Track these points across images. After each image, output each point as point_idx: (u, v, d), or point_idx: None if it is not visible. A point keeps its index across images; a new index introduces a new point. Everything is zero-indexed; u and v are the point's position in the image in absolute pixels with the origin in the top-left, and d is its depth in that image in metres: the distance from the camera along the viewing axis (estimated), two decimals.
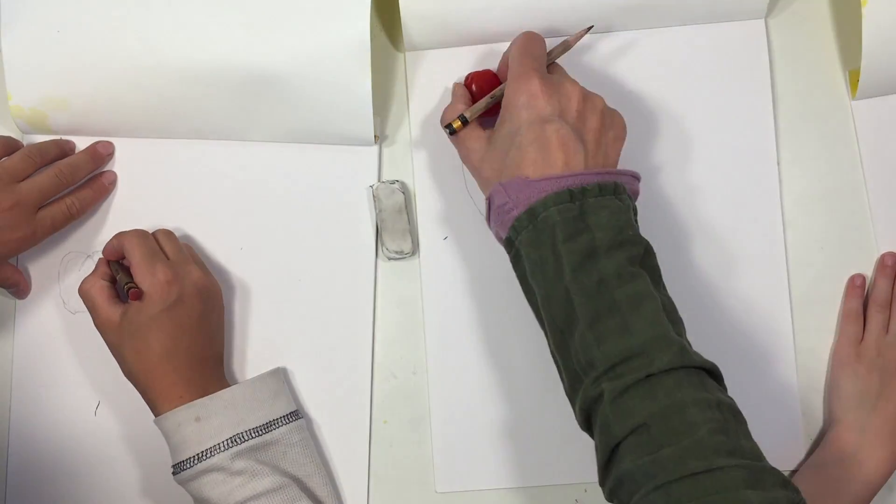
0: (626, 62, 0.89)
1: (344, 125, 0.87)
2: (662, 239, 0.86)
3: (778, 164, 0.88)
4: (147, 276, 0.79)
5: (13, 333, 0.88)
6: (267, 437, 0.79)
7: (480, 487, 0.83)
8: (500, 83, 0.83)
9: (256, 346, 0.87)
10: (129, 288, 0.79)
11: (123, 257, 0.83)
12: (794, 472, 0.83)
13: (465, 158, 0.81)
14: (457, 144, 0.82)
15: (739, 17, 0.88)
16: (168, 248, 0.83)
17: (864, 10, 0.83)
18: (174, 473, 0.78)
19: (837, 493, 0.79)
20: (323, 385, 0.86)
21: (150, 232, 0.84)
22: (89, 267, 0.87)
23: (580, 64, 0.89)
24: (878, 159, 0.88)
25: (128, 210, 0.89)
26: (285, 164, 0.89)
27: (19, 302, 0.88)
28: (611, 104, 0.88)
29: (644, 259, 0.72)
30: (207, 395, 0.79)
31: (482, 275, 0.86)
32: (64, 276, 0.88)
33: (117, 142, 0.90)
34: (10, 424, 0.86)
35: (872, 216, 0.87)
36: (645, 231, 0.86)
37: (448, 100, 0.88)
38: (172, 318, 0.79)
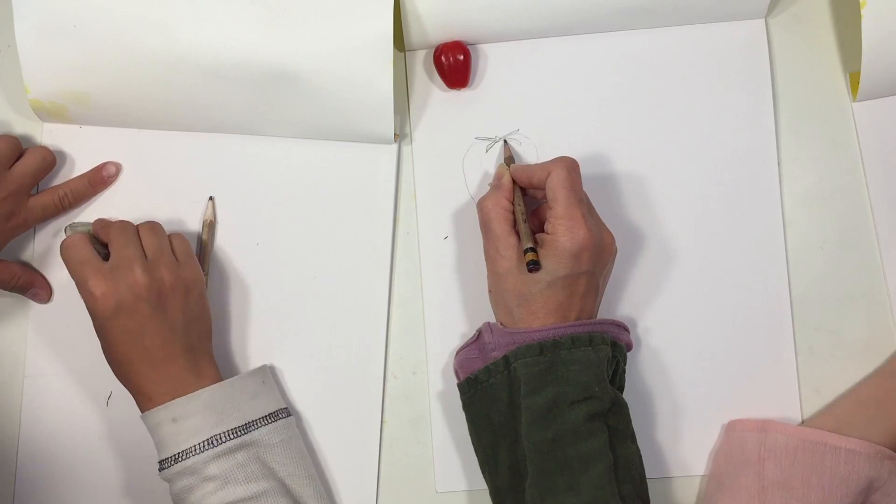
0: (628, 62, 0.89)
1: (364, 122, 0.86)
2: (663, 239, 0.87)
3: (778, 164, 0.88)
4: (83, 288, 0.78)
5: (27, 324, 0.87)
6: (245, 437, 0.77)
7: (480, 487, 0.83)
8: (468, 51, 0.87)
9: (269, 342, 0.87)
10: None
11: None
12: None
13: (493, 259, 0.80)
14: (491, 239, 0.80)
15: (740, 17, 0.88)
16: (147, 243, 0.81)
17: (864, 12, 0.82)
18: (159, 470, 0.77)
19: None
20: (333, 384, 0.86)
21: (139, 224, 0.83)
22: None
23: (583, 65, 0.89)
24: (879, 160, 0.88)
25: (145, 202, 0.88)
26: (304, 160, 0.89)
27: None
28: (613, 104, 0.88)
29: (608, 414, 0.75)
30: (183, 389, 0.77)
31: (482, 274, 0.86)
32: None
33: (137, 133, 0.89)
34: (22, 415, 0.86)
35: (874, 217, 0.87)
36: (646, 232, 0.86)
37: (449, 101, 0.89)
38: (119, 326, 0.77)
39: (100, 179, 0.88)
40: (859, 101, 0.88)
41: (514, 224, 0.80)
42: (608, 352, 0.76)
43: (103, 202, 0.89)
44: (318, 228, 0.88)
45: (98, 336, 0.79)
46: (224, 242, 0.88)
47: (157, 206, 0.88)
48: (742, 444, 0.80)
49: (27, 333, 0.87)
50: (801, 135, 0.89)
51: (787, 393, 0.85)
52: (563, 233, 0.76)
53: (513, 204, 0.81)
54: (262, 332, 0.87)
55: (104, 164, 0.88)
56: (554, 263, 0.76)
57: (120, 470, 0.86)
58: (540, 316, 0.76)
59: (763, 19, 0.89)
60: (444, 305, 0.87)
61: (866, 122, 0.88)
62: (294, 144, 0.89)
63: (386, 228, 0.88)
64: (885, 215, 0.87)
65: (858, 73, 0.86)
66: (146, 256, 0.80)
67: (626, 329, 0.81)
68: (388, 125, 0.86)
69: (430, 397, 0.86)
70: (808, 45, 0.90)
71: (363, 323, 0.87)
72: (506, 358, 0.76)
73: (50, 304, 0.88)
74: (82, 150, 0.90)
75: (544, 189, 0.79)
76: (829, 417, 0.81)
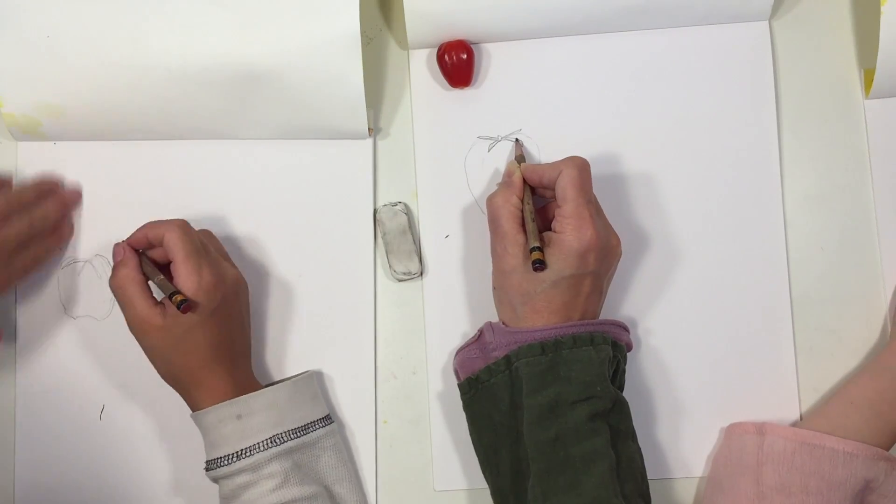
0: (631, 62, 0.89)
1: (337, 119, 0.86)
2: (663, 239, 0.87)
3: (780, 164, 0.87)
4: (193, 277, 0.76)
5: (15, 341, 0.87)
6: (304, 438, 0.79)
7: (478, 486, 0.83)
8: (471, 50, 0.87)
9: (257, 344, 0.87)
10: (181, 301, 0.75)
11: (151, 247, 0.80)
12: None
13: (500, 256, 0.79)
14: (498, 237, 0.80)
15: (744, 18, 0.88)
16: (210, 245, 0.82)
17: (883, 8, 0.82)
18: (207, 469, 0.78)
19: (894, 402, 0.79)
20: (325, 383, 0.86)
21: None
22: (89, 272, 0.87)
23: (586, 65, 0.89)
24: (887, 158, 0.87)
25: (124, 214, 0.87)
26: (281, 161, 0.89)
27: (21, 310, 0.87)
28: (616, 104, 0.89)
29: (610, 414, 0.75)
30: (246, 390, 0.78)
31: (483, 274, 0.86)
32: (64, 282, 0.87)
33: (112, 146, 0.89)
34: (16, 432, 0.86)
35: (877, 215, 0.87)
36: (646, 232, 0.86)
37: (451, 100, 0.89)
38: (218, 319, 0.78)
39: (62, 237, 0.87)
40: (871, 98, 0.88)
41: (522, 222, 0.80)
42: (609, 351, 0.76)
43: (86, 218, 0.89)
44: (300, 228, 0.88)
45: (188, 333, 0.77)
46: None
47: (137, 218, 0.86)
48: (741, 447, 0.80)
49: (15, 352, 0.87)
50: (803, 135, 0.89)
51: (786, 393, 0.85)
52: (571, 232, 0.76)
53: (522, 202, 0.81)
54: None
55: (62, 224, 0.87)
56: (560, 262, 0.76)
57: (117, 482, 0.86)
58: (544, 315, 0.76)
59: (767, 21, 0.89)
60: (444, 305, 0.87)
61: (877, 120, 0.88)
62: (269, 146, 0.89)
63: (366, 223, 0.88)
64: (888, 213, 0.87)
65: (872, 70, 0.86)
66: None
67: (626, 329, 0.81)
68: (361, 120, 0.86)
69: (429, 397, 0.86)
70: (809, 46, 0.90)
71: (351, 319, 0.87)
72: (507, 357, 0.77)
73: (36, 322, 0.87)
74: (58, 167, 0.89)
75: (554, 189, 0.79)
76: (822, 419, 0.80)
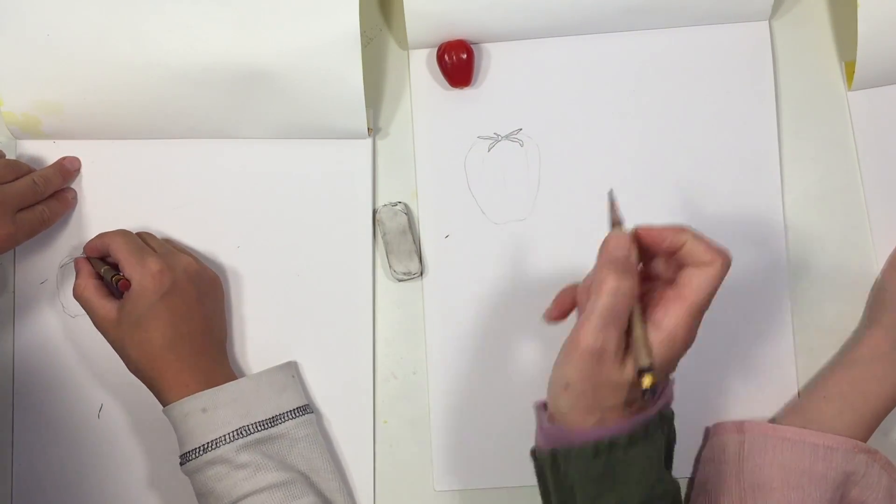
0: (631, 62, 0.89)
1: (337, 119, 0.86)
2: None
3: (780, 164, 0.87)
4: (137, 268, 0.79)
5: (13, 340, 0.87)
6: (273, 430, 0.79)
7: (478, 486, 0.84)
8: (471, 50, 0.87)
9: (257, 345, 0.87)
10: (118, 279, 0.80)
11: (106, 256, 0.84)
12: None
13: (600, 350, 0.63)
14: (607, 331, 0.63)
15: (744, 18, 0.88)
16: (152, 243, 0.84)
17: (860, 1, 0.83)
18: (181, 464, 0.78)
19: (867, 392, 0.78)
20: (324, 383, 0.86)
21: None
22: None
23: (586, 65, 0.89)
24: (874, 148, 0.88)
25: (123, 212, 0.88)
26: (280, 160, 0.89)
27: (19, 308, 0.87)
28: (615, 104, 0.89)
29: None
30: (213, 382, 0.79)
31: (483, 274, 0.86)
32: (62, 281, 0.87)
33: (111, 144, 0.90)
34: (14, 431, 0.86)
35: (868, 206, 0.87)
36: None
37: (451, 100, 0.89)
38: (169, 306, 0.79)
39: (67, 201, 0.88)
40: (854, 90, 0.88)
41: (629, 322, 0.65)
42: (662, 439, 0.67)
43: (86, 216, 0.89)
44: (298, 227, 0.88)
45: (137, 324, 0.79)
46: (204, 247, 0.88)
47: (137, 216, 0.88)
48: (722, 447, 0.80)
49: (13, 351, 0.87)
50: (802, 135, 0.89)
51: (786, 393, 0.85)
52: (681, 341, 0.65)
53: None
54: (247, 334, 0.87)
55: (67, 189, 0.89)
56: (666, 365, 0.65)
57: (115, 481, 0.86)
58: (597, 413, 0.65)
59: (767, 21, 0.89)
60: (444, 305, 0.87)
61: (861, 111, 0.88)
62: (268, 145, 0.89)
63: (366, 223, 0.88)
64: (879, 203, 0.87)
65: (853, 62, 0.86)
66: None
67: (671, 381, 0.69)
68: (360, 120, 0.86)
69: (429, 397, 0.86)
70: (810, 46, 0.90)
71: (350, 316, 0.87)
72: (553, 454, 0.66)
73: (35, 320, 0.87)
74: None
75: (671, 253, 0.66)
76: (797, 415, 0.81)
